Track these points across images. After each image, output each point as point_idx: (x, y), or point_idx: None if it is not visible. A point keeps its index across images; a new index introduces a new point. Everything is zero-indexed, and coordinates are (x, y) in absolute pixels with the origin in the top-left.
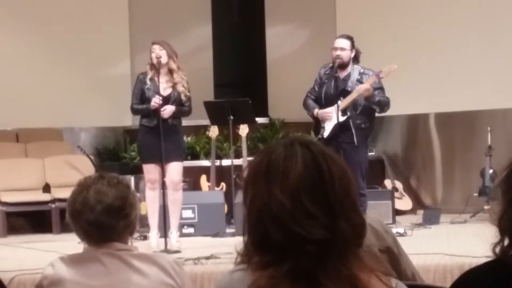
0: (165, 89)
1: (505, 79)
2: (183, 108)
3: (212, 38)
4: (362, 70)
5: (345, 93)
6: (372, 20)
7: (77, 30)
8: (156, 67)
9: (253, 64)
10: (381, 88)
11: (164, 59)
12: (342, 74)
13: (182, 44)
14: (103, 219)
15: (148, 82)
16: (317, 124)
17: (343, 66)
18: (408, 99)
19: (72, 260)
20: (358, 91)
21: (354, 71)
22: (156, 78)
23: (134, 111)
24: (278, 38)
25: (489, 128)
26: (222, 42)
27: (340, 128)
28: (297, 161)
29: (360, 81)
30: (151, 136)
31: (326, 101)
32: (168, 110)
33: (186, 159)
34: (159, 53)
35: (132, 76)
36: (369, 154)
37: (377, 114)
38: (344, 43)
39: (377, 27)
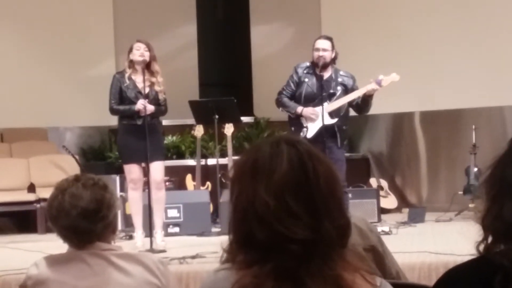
0: (144, 87)
1: (490, 78)
2: (160, 107)
3: (197, 37)
4: (342, 73)
5: (331, 95)
6: (357, 19)
7: (62, 30)
8: (134, 65)
9: (238, 63)
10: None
11: (146, 60)
12: (325, 75)
13: (167, 43)
14: (79, 223)
15: (127, 80)
16: (296, 122)
17: (325, 66)
18: (393, 98)
19: (57, 260)
20: (367, 89)
21: (335, 72)
22: (134, 77)
23: (115, 112)
24: (263, 37)
25: (473, 127)
26: (207, 42)
27: (326, 130)
28: (282, 160)
29: (343, 84)
30: (132, 136)
31: (306, 100)
32: (148, 109)
33: (172, 159)
34: (144, 53)
35: None
36: (354, 153)
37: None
38: (326, 44)
39: (362, 26)
